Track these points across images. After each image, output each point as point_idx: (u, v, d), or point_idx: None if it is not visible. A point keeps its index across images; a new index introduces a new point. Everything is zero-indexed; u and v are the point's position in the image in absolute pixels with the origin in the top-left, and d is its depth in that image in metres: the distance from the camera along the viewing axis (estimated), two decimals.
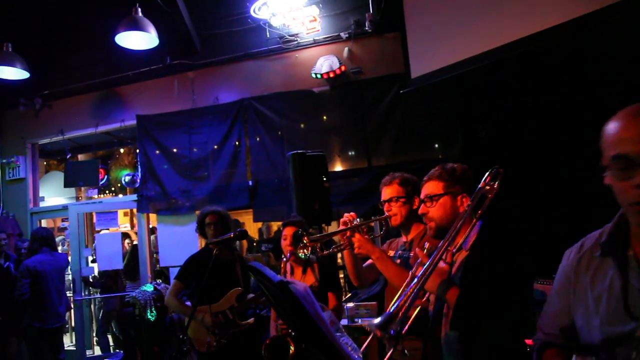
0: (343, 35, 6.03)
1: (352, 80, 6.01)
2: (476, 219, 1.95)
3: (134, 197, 6.85)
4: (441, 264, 1.93)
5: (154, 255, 7.06)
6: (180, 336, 3.17)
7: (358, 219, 2.53)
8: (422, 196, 2.14)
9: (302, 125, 6.15)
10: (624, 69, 3.63)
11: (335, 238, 3.45)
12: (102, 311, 7.19)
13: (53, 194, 8.55)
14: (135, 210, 6.97)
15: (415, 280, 1.75)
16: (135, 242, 7.23)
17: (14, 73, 5.78)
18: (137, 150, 6.91)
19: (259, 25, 6.22)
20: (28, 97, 7.24)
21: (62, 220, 8.88)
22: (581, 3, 3.68)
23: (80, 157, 8.72)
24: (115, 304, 7.01)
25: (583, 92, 3.81)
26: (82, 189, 8.93)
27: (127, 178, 7.57)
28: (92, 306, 7.44)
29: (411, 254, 2.64)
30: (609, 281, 1.24)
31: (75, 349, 6.70)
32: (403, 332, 1.64)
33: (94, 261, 6.92)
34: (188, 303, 3.95)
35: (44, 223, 7.82)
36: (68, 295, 6.29)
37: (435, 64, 4.86)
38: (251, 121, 6.27)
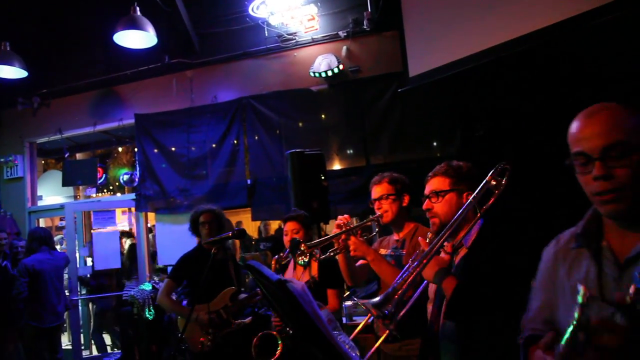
0: (341, 34, 6.03)
1: (351, 79, 6.02)
2: (479, 215, 1.97)
3: (132, 196, 6.85)
4: (442, 254, 1.95)
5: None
6: (179, 335, 3.17)
7: (354, 219, 2.56)
8: (426, 192, 2.15)
9: (300, 124, 6.15)
10: (621, 67, 3.64)
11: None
12: (94, 310, 7.17)
13: (51, 193, 8.54)
14: (133, 209, 6.96)
15: (415, 264, 1.77)
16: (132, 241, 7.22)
17: (12, 72, 5.77)
18: (136, 149, 6.91)
19: (258, 24, 6.21)
20: (26, 96, 7.23)
21: (60, 219, 8.87)
22: (578, 2, 3.68)
23: (79, 156, 8.70)
24: (109, 303, 7.01)
25: (581, 90, 3.82)
26: (80, 188, 8.92)
27: (126, 177, 7.55)
28: (90, 305, 7.43)
29: (403, 252, 2.67)
30: (585, 271, 1.30)
31: (71, 348, 6.69)
32: (399, 316, 1.66)
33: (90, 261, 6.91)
34: (185, 302, 3.95)
35: (41, 222, 7.81)
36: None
37: (434, 63, 4.87)
38: (249, 120, 6.27)
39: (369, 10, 5.87)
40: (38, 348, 5.04)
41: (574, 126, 1.28)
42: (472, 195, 1.96)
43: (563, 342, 1.02)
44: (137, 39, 5.33)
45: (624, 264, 1.20)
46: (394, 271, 2.47)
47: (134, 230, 7.28)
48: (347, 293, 4.98)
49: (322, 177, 4.63)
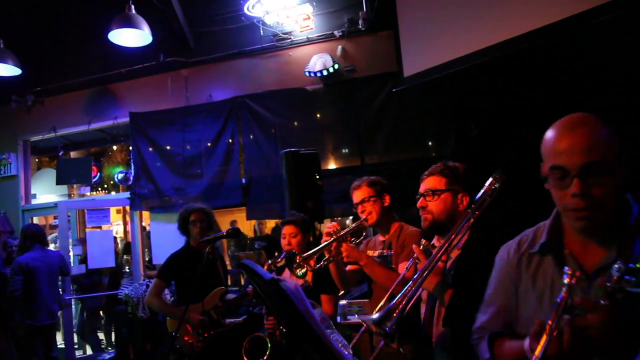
0: (336, 33, 6.04)
1: (346, 79, 6.03)
2: (472, 220, 1.98)
3: (127, 194, 6.83)
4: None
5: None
6: (173, 334, 3.16)
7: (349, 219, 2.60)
8: (422, 190, 2.17)
9: (295, 123, 6.16)
10: (617, 67, 3.67)
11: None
12: (85, 310, 7.14)
13: (45, 191, 8.51)
14: (128, 207, 6.94)
15: (414, 279, 1.78)
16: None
17: (6, 69, 5.74)
18: (130, 148, 6.88)
19: (253, 23, 6.21)
20: (20, 94, 7.19)
21: (54, 218, 8.83)
22: (574, 2, 3.70)
23: (73, 154, 8.67)
24: (99, 302, 7.00)
25: (575, 90, 3.84)
26: (75, 186, 8.89)
27: (120, 175, 7.55)
28: (79, 304, 7.41)
29: (391, 252, 2.72)
30: (550, 279, 1.32)
31: (64, 346, 6.67)
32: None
33: (83, 260, 6.87)
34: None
35: (35, 220, 7.77)
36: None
37: (428, 63, 4.88)
38: (244, 119, 6.27)
39: (364, 10, 5.89)
40: (32, 346, 5.02)
41: (553, 137, 1.26)
42: (467, 203, 1.98)
43: (547, 325, 1.05)
44: (132, 37, 5.31)
45: (593, 275, 1.22)
46: (387, 273, 2.53)
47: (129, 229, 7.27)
48: (342, 292, 5.00)
49: (317, 177, 4.63)
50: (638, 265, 1.01)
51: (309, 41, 6.18)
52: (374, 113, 5.86)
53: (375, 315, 1.67)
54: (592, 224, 1.22)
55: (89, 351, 7.06)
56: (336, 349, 1.26)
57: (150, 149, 6.61)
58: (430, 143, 5.98)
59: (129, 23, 5.07)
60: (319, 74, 5.91)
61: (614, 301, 1.03)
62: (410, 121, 5.71)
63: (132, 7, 5.14)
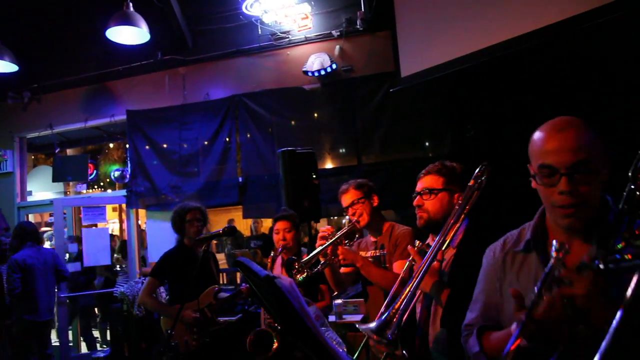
0: (334, 33, 6.04)
1: (343, 78, 6.04)
2: (464, 216, 1.99)
3: (123, 192, 6.82)
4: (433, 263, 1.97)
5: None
6: (168, 331, 3.16)
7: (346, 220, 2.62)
8: (418, 188, 2.18)
9: (292, 123, 6.17)
10: (613, 69, 3.69)
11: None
12: (78, 309, 7.12)
13: (41, 188, 8.49)
14: (124, 205, 6.93)
15: (410, 282, 1.79)
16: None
17: (3, 66, 5.72)
18: (127, 146, 6.88)
19: (251, 22, 6.21)
20: (17, 91, 7.18)
21: (50, 215, 8.82)
22: (571, 4, 3.72)
23: (69, 151, 8.66)
24: (91, 300, 6.99)
25: (572, 92, 3.87)
26: (71, 183, 8.88)
27: (117, 173, 7.54)
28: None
29: (384, 252, 2.76)
30: (534, 275, 1.37)
31: (59, 344, 6.65)
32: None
33: (76, 258, 6.86)
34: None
35: (31, 218, 7.76)
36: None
37: (425, 63, 4.89)
38: (242, 118, 6.27)
39: (362, 10, 5.89)
40: (28, 343, 5.01)
41: (541, 138, 1.33)
42: (460, 201, 1.99)
43: (536, 288, 1.10)
44: (130, 35, 5.31)
45: (577, 270, 1.25)
46: (382, 273, 2.56)
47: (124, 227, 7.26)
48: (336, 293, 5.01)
49: (314, 176, 4.64)
50: (619, 246, 1.05)
51: (307, 40, 6.19)
52: (371, 113, 5.87)
53: (373, 324, 1.68)
54: (577, 222, 1.27)
55: (83, 349, 7.05)
56: (331, 346, 1.27)
57: (147, 146, 6.61)
58: (427, 143, 6.00)
59: (127, 21, 5.07)
60: (316, 74, 5.91)
61: (598, 272, 1.07)
62: (407, 121, 5.73)
63: (130, 4, 5.14)
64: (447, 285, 1.94)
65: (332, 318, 4.28)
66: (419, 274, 1.78)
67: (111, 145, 9.30)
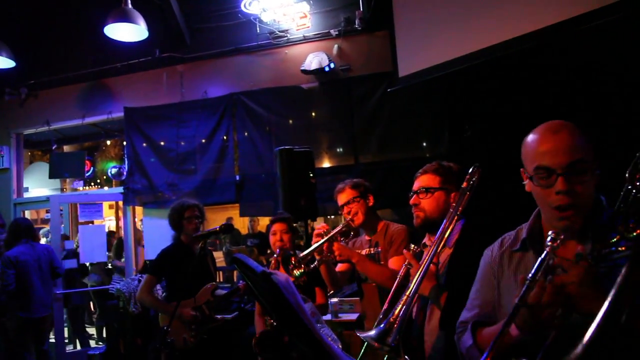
0: (333, 32, 6.05)
1: (341, 78, 6.05)
2: (457, 218, 2.00)
3: (120, 189, 6.82)
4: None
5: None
6: (165, 328, 3.17)
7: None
8: (415, 187, 2.20)
9: (290, 121, 6.17)
10: (610, 71, 3.70)
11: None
12: (69, 307, 7.10)
13: (37, 185, 8.47)
14: (121, 203, 6.93)
15: (408, 286, 1.80)
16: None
17: (0, 62, 5.71)
18: (124, 143, 6.87)
19: (250, 20, 6.22)
20: (13, 86, 7.16)
21: (46, 212, 8.79)
22: (569, 5, 3.74)
23: (66, 148, 8.64)
24: (81, 300, 6.98)
25: (569, 92, 3.88)
26: (67, 180, 8.86)
27: (114, 170, 7.52)
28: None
29: (379, 249, 2.78)
30: None
31: (54, 341, 6.65)
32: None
33: (75, 255, 6.84)
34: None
35: (27, 214, 7.74)
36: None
37: (423, 64, 4.90)
38: (239, 116, 6.27)
39: (361, 9, 5.90)
40: (24, 339, 5.00)
41: (535, 140, 1.36)
42: (455, 203, 2.01)
43: (530, 276, 1.13)
44: (128, 32, 5.29)
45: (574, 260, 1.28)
46: (379, 269, 2.57)
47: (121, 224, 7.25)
48: (333, 291, 5.02)
49: (311, 175, 4.64)
50: (614, 240, 1.09)
51: (305, 39, 6.20)
52: (369, 112, 5.88)
53: (373, 332, 1.69)
54: (574, 225, 1.30)
55: (79, 346, 7.04)
56: (326, 342, 1.28)
57: (144, 144, 6.60)
58: (424, 143, 6.01)
59: (125, 17, 5.06)
60: (314, 73, 5.92)
61: (593, 262, 1.11)
62: (405, 121, 5.74)
63: (129, 1, 5.13)
64: (444, 287, 1.95)
65: (328, 317, 4.29)
66: (417, 279, 1.80)
67: (108, 142, 9.27)
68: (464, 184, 1.95)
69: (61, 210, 7.11)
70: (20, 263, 4.94)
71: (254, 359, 2.48)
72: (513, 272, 1.46)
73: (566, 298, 1.10)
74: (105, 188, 9.00)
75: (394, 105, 5.72)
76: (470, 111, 5.00)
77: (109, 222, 9.84)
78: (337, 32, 6.04)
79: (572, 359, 0.86)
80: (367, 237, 2.93)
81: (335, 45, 6.04)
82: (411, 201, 2.19)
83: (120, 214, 7.31)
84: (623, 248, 1.05)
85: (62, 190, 9.01)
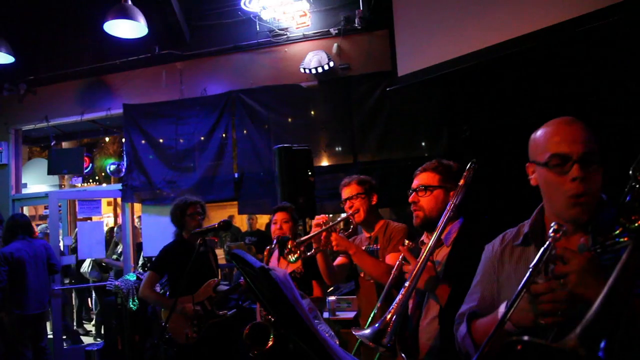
0: (332, 31, 6.05)
1: (340, 77, 6.05)
2: (454, 215, 2.01)
3: (119, 186, 6.82)
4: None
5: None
6: (163, 324, 3.17)
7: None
8: (414, 185, 2.20)
9: (289, 120, 6.17)
10: (610, 71, 3.71)
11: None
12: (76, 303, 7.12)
13: (36, 181, 8.47)
14: (119, 199, 6.93)
15: (405, 285, 1.80)
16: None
17: None
18: (123, 140, 6.86)
19: (249, 18, 6.22)
20: (12, 82, 7.14)
21: (45, 208, 8.80)
22: (569, 6, 3.75)
23: (65, 144, 8.63)
24: (65, 297, 6.99)
25: (567, 93, 3.89)
26: (66, 176, 8.85)
27: (112, 167, 7.53)
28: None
29: (377, 246, 2.79)
30: None
31: (52, 337, 6.65)
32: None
33: (74, 250, 6.85)
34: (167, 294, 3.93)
35: (25, 210, 7.73)
36: None
37: (422, 63, 4.91)
38: (238, 114, 6.27)
39: (361, 8, 5.90)
40: (21, 336, 4.99)
41: (548, 132, 1.38)
42: (452, 201, 2.01)
43: (532, 265, 1.15)
44: (128, 28, 5.29)
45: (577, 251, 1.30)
46: (375, 263, 2.58)
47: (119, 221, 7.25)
48: (331, 289, 5.03)
49: (309, 173, 4.65)
50: (616, 232, 1.10)
51: (305, 38, 6.20)
52: (368, 111, 5.88)
53: (368, 331, 1.70)
54: (584, 213, 1.31)
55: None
56: (323, 338, 1.29)
57: (143, 141, 6.60)
58: (423, 143, 6.01)
59: (125, 14, 5.06)
60: (314, 71, 5.93)
61: (596, 253, 1.13)
62: (404, 120, 5.74)
63: None
64: (441, 280, 1.96)
65: (325, 315, 4.31)
66: (416, 273, 1.80)
67: (107, 139, 9.30)
68: (461, 181, 1.96)
69: (59, 206, 7.11)
70: (15, 260, 4.92)
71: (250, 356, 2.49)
72: (514, 266, 1.47)
73: (566, 288, 1.11)
74: (104, 185, 9.00)
75: (393, 105, 5.72)
76: (470, 111, 5.01)
77: (107, 218, 9.84)
78: (336, 31, 6.04)
79: (571, 338, 0.87)
80: (366, 235, 2.93)
81: (335, 44, 6.05)
82: (410, 199, 2.20)
83: (119, 210, 7.30)
84: (625, 239, 1.07)
85: (60, 186, 9.01)
